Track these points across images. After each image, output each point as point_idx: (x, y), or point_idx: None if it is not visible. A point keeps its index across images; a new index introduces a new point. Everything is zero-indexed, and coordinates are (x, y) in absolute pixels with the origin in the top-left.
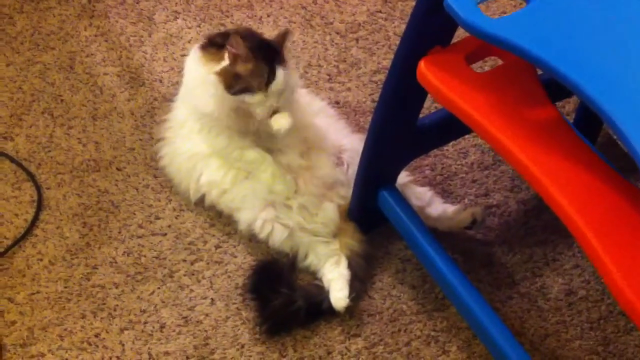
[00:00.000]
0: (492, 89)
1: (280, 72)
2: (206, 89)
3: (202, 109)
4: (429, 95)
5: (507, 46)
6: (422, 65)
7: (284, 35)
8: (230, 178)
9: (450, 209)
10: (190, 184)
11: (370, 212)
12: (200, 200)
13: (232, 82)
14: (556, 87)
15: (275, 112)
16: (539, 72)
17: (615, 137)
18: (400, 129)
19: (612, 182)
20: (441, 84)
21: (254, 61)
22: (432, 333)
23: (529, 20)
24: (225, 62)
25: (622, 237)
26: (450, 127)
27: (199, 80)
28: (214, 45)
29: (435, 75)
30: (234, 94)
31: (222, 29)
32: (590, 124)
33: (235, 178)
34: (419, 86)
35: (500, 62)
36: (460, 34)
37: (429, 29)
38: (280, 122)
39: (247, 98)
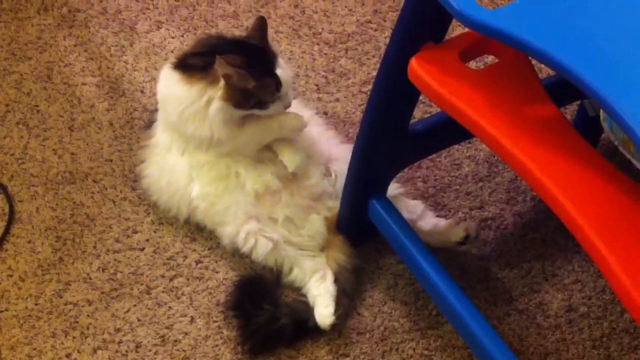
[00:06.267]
0: (489, 87)
1: (282, 73)
2: (201, 112)
3: (200, 134)
4: (420, 106)
5: (506, 39)
6: (413, 62)
7: (261, 25)
8: (219, 190)
9: (442, 223)
10: (180, 202)
11: (360, 223)
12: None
13: (242, 100)
14: (556, 92)
15: (282, 147)
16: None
17: (616, 143)
18: (391, 132)
19: (618, 183)
20: (434, 81)
21: (254, 77)
22: (426, 352)
23: (529, 10)
24: (222, 84)
25: (629, 239)
26: (445, 133)
27: (186, 103)
28: (192, 67)
29: (427, 72)
30: (249, 108)
31: (190, 44)
32: (589, 131)
33: (224, 190)
34: (411, 86)
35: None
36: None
37: (421, 24)
38: (293, 160)
39: (262, 112)
